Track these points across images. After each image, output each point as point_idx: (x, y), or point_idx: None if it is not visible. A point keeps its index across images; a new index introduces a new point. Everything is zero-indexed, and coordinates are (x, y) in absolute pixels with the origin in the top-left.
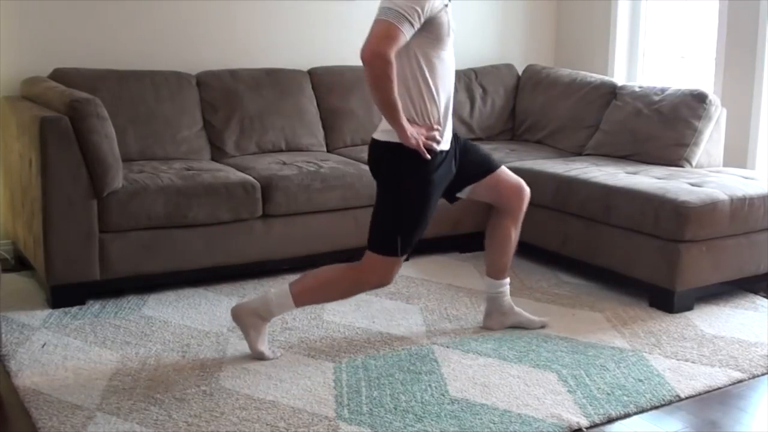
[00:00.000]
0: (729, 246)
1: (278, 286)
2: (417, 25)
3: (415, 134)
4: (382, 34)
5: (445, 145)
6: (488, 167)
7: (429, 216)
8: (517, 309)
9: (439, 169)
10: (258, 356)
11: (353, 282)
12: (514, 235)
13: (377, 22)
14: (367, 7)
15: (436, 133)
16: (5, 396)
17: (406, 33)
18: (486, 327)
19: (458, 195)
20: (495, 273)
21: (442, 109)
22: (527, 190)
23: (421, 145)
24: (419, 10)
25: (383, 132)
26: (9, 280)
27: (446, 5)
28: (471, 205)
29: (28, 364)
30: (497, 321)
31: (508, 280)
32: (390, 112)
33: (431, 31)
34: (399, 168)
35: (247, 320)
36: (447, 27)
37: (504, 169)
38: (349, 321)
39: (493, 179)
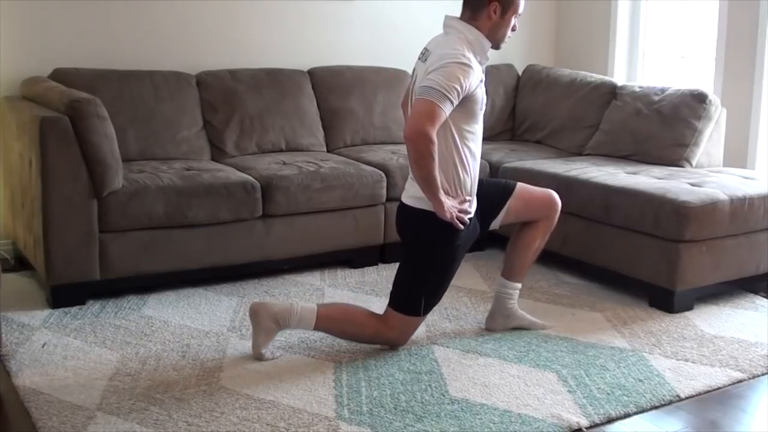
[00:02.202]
0: (729, 246)
1: (306, 302)
2: (456, 103)
3: (450, 208)
4: (424, 113)
5: (473, 209)
6: (507, 189)
7: (452, 277)
8: (520, 313)
9: (467, 233)
10: (257, 357)
11: (374, 332)
12: (540, 242)
13: (419, 101)
14: (367, 7)
15: (467, 204)
16: (5, 396)
17: (447, 111)
18: (488, 328)
19: (491, 228)
20: (509, 274)
21: (473, 180)
22: (557, 200)
23: (455, 218)
24: (458, 89)
25: (415, 198)
26: (9, 280)
27: (481, 80)
28: None
29: (28, 364)
30: (500, 323)
31: (520, 285)
32: (430, 188)
33: (466, 105)
34: (430, 235)
35: (264, 322)
36: (481, 102)
37: (523, 186)
38: None
39: (519, 200)
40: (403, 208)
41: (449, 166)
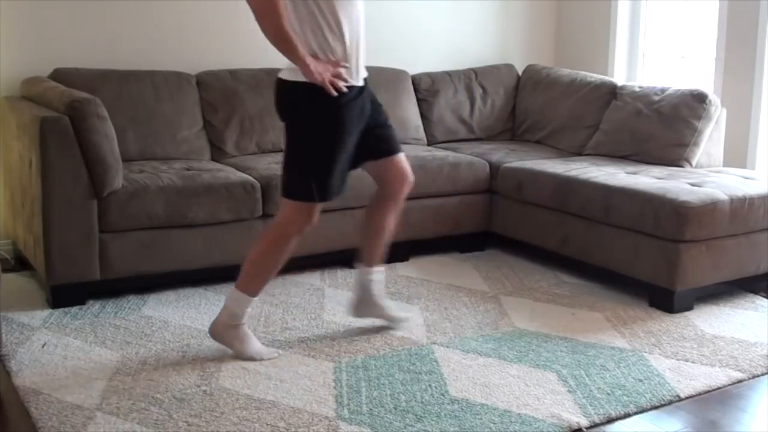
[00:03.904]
0: (729, 246)
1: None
2: None
3: (319, 69)
4: None
5: (356, 81)
6: (390, 149)
7: (344, 158)
8: (384, 302)
9: (351, 107)
10: (257, 358)
11: (277, 241)
12: (392, 223)
13: None
14: (367, 7)
15: (343, 70)
16: (5, 396)
17: None
18: (351, 314)
19: (356, 166)
20: (368, 260)
21: (347, 44)
22: (411, 179)
23: (327, 81)
24: None
25: (289, 71)
26: (9, 280)
27: None
28: (471, 205)
29: (28, 364)
30: (362, 310)
31: (382, 268)
32: (285, 45)
33: None
34: (307, 108)
35: (226, 335)
36: None
37: (401, 156)
38: (349, 321)
39: (388, 161)
40: (280, 83)
41: (314, 27)
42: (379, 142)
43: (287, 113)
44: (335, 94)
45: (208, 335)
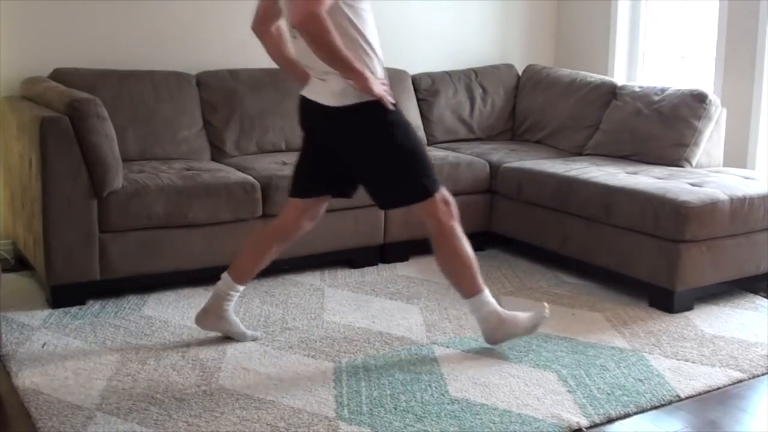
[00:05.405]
0: (729, 246)
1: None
2: None
3: (377, 83)
4: None
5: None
6: (345, 193)
7: (425, 146)
8: (233, 318)
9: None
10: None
11: (450, 239)
12: (275, 254)
13: None
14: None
15: (387, 88)
16: (5, 396)
17: None
18: (199, 324)
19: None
20: (238, 276)
21: (381, 62)
22: (301, 230)
23: (384, 95)
24: None
25: (335, 96)
26: (9, 280)
27: None
28: (471, 205)
29: (28, 364)
30: (211, 322)
31: (241, 289)
32: (344, 62)
33: None
34: (378, 124)
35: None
36: None
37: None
38: (349, 321)
39: (321, 201)
40: (331, 111)
41: (355, 46)
42: (344, 180)
43: (357, 138)
44: (392, 107)
45: (490, 344)
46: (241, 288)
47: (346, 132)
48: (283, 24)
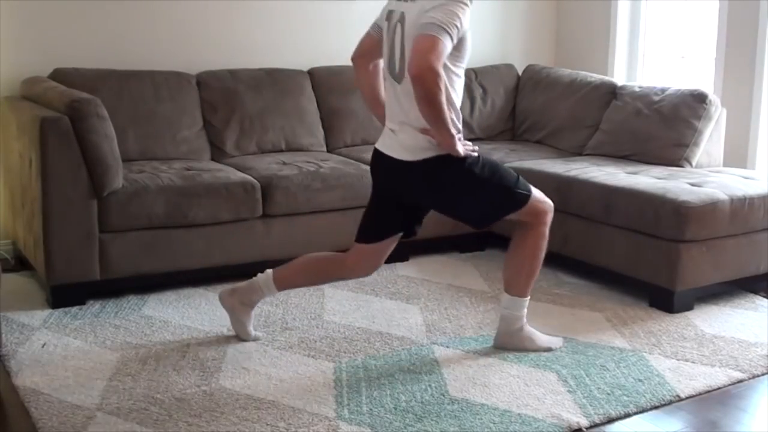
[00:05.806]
0: (729, 246)
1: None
2: (455, 41)
3: (461, 144)
4: (429, 49)
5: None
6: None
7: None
8: (251, 314)
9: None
10: (553, 346)
11: (541, 241)
12: (314, 280)
13: (421, 37)
14: (367, 7)
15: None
16: (5, 396)
17: (449, 48)
18: (221, 298)
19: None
20: (279, 280)
21: (461, 120)
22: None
23: (468, 152)
24: (458, 26)
25: (408, 150)
26: (9, 280)
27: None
28: None
29: (28, 364)
30: (231, 303)
31: (276, 293)
32: (444, 125)
33: (458, 47)
34: (459, 171)
35: (517, 339)
36: (469, 44)
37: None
38: (349, 321)
39: (385, 246)
40: (401, 166)
41: (449, 104)
42: (412, 223)
43: (431, 188)
44: (476, 154)
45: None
46: (276, 293)
47: (425, 184)
48: (380, 63)
